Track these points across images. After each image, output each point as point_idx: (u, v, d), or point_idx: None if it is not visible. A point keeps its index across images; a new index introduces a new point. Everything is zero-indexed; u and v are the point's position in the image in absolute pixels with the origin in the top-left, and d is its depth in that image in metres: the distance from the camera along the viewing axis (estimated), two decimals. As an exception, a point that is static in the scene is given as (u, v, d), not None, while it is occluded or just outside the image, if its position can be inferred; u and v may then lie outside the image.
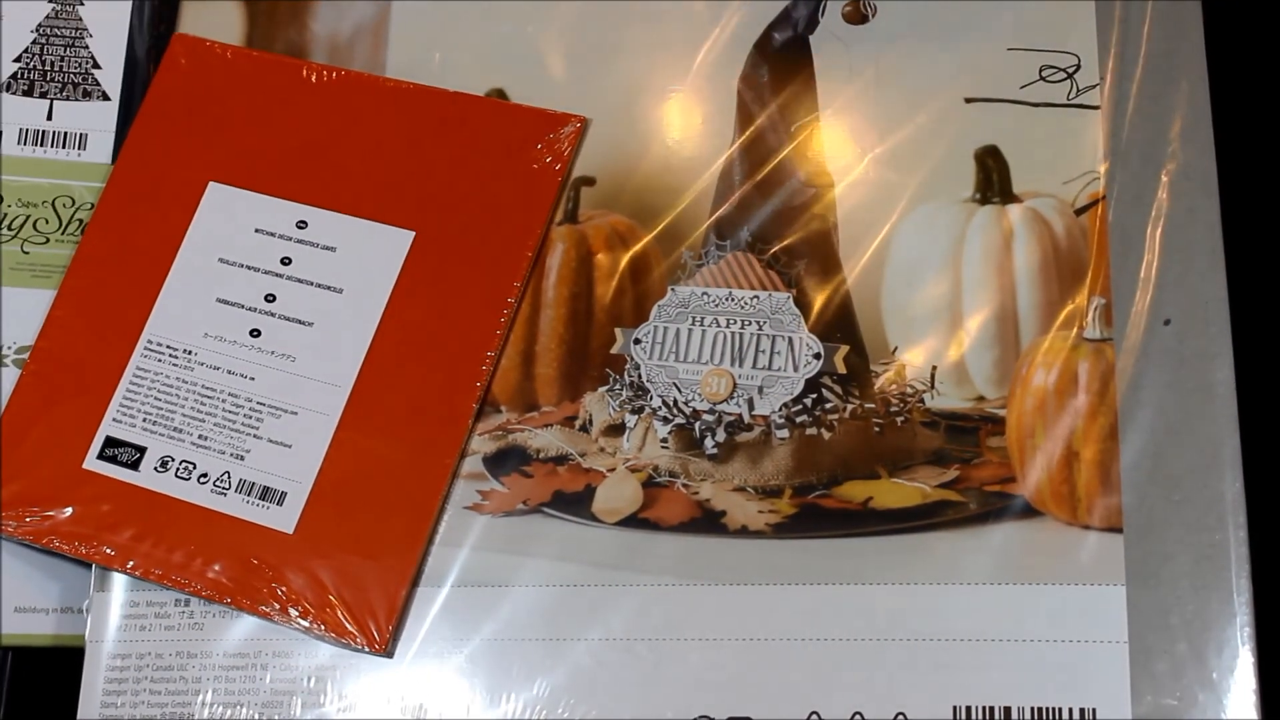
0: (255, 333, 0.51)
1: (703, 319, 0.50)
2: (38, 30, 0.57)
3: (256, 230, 0.52)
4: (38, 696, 0.52)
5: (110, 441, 0.50)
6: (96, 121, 0.56)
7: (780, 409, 0.49)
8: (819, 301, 0.50)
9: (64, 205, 0.55)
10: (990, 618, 0.45)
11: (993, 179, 0.50)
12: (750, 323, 0.50)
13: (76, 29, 0.57)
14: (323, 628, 0.47)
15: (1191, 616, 0.44)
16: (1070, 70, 0.51)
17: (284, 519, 0.49)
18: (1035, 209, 0.50)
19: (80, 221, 0.55)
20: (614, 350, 0.51)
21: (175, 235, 0.53)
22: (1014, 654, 0.45)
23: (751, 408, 0.49)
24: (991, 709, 0.44)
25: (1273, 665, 0.44)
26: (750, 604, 0.47)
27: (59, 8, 0.57)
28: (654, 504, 0.48)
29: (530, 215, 0.52)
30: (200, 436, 0.50)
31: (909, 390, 0.49)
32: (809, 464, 0.48)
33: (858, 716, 0.45)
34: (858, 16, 0.53)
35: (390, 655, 0.47)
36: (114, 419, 0.50)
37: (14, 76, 0.56)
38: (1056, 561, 0.46)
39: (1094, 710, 0.44)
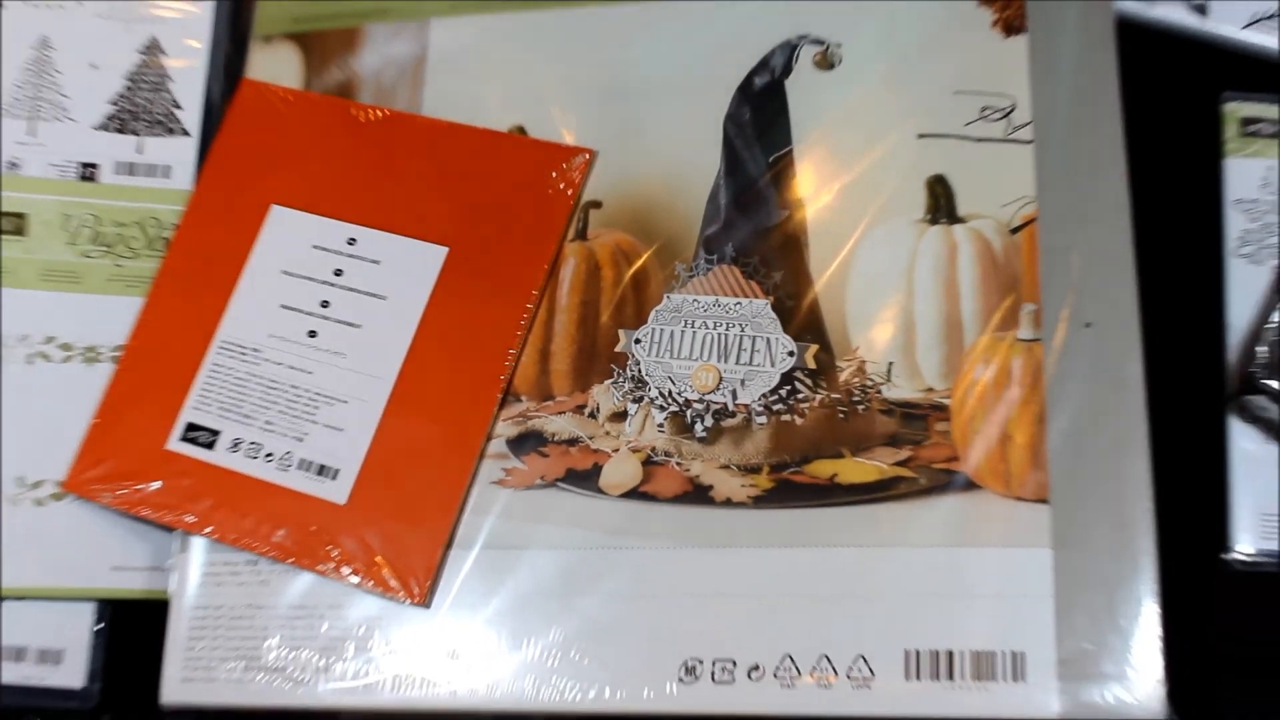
0: (312, 334, 0.52)
1: (693, 322, 0.51)
2: (129, 77, 0.58)
3: (313, 246, 0.54)
4: (133, 641, 0.52)
5: (190, 426, 0.52)
6: (178, 154, 0.57)
7: (759, 399, 0.50)
8: (792, 307, 0.51)
9: (151, 225, 0.56)
10: (937, 575, 0.46)
11: (941, 203, 0.51)
12: (734, 325, 0.51)
13: (161, 75, 0.58)
14: (371, 583, 0.49)
15: (1106, 575, 0.46)
16: (1007, 110, 0.52)
17: (338, 492, 0.50)
18: (977, 229, 0.51)
19: (164, 239, 0.56)
20: (618, 349, 0.52)
21: (244, 251, 0.54)
22: (957, 606, 0.46)
23: (735, 397, 0.50)
24: (937, 652, 0.45)
25: (1172, 615, 0.45)
26: (734, 564, 0.48)
27: (147, 58, 0.58)
28: (652, 479, 0.49)
29: (546, 233, 0.53)
30: (266, 421, 0.51)
31: (869, 383, 0.50)
32: (784, 445, 0.49)
33: (824, 659, 0.46)
34: (826, 64, 0.54)
35: (428, 607, 0.49)
36: (194, 407, 0.52)
37: (109, 117, 0.57)
38: (993, 528, 0.47)
39: (1023, 653, 0.45)
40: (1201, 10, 0.57)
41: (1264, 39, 0.57)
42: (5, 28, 0.58)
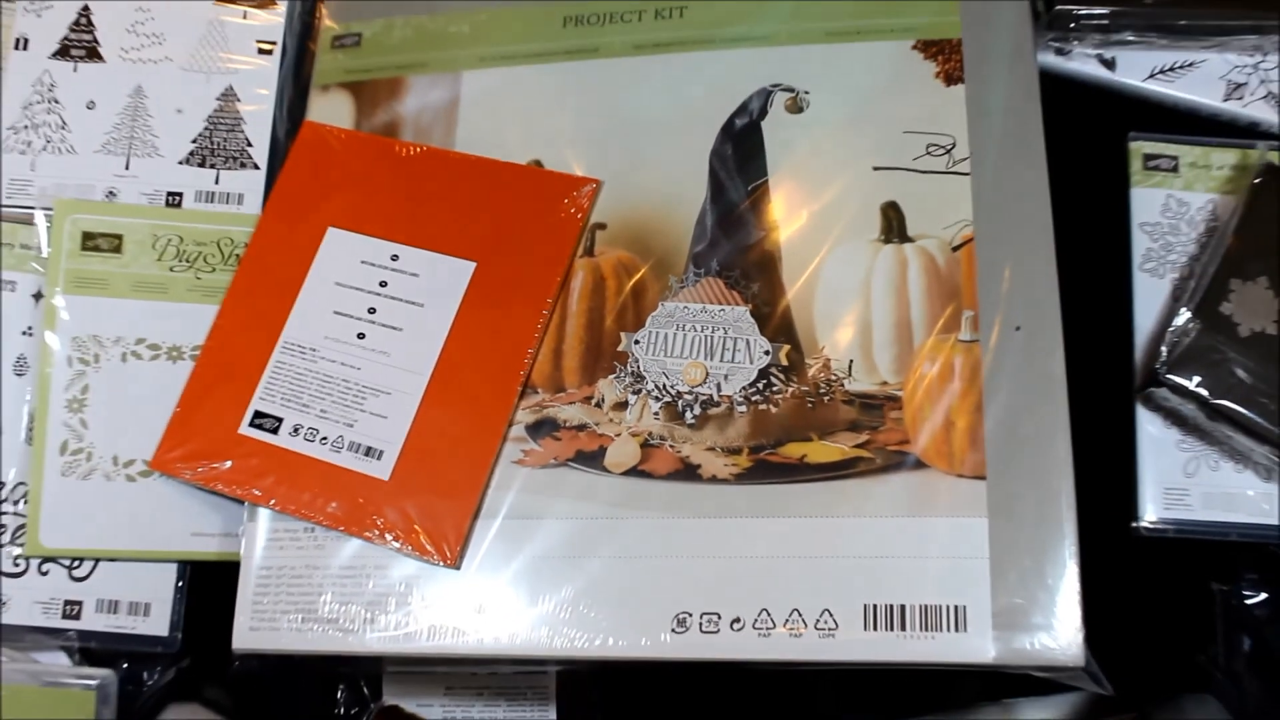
0: (361, 335, 0.51)
1: (684, 325, 0.51)
2: (208, 120, 0.57)
3: (362, 262, 0.53)
4: (209, 596, 0.52)
5: (258, 414, 0.51)
6: (249, 185, 0.56)
7: (740, 390, 0.49)
8: (768, 313, 0.50)
9: (225, 245, 0.55)
10: (891, 541, 0.46)
11: (893, 225, 0.50)
12: (719, 329, 0.50)
13: (235, 118, 0.57)
14: (410, 548, 0.48)
15: (1034, 540, 0.45)
16: (948, 147, 0.51)
17: (381, 470, 0.49)
18: (924, 247, 0.50)
19: (237, 256, 0.55)
20: (620, 348, 0.51)
21: (304, 266, 0.53)
22: (907, 567, 0.45)
23: (719, 390, 0.49)
24: (891, 606, 0.45)
25: (1089, 575, 0.45)
26: (718, 532, 0.47)
27: (224, 104, 0.57)
28: (649, 459, 0.49)
29: (559, 250, 0.52)
30: (322, 410, 0.50)
31: (833, 377, 0.49)
32: (761, 430, 0.49)
33: (795, 612, 0.45)
34: (795, 108, 0.53)
35: (458, 568, 0.48)
36: (260, 397, 0.51)
37: (191, 153, 0.56)
38: (938, 500, 0.46)
39: (964, 607, 0.44)
40: (1110, 65, 0.56)
41: (1162, 88, 0.56)
42: (107, 81, 0.57)
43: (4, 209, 0.55)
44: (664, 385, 0.50)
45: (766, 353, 0.50)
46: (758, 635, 0.45)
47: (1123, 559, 0.50)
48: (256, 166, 0.57)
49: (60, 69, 0.57)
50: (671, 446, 0.49)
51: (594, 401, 0.50)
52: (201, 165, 0.57)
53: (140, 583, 0.52)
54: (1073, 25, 0.54)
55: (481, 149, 0.55)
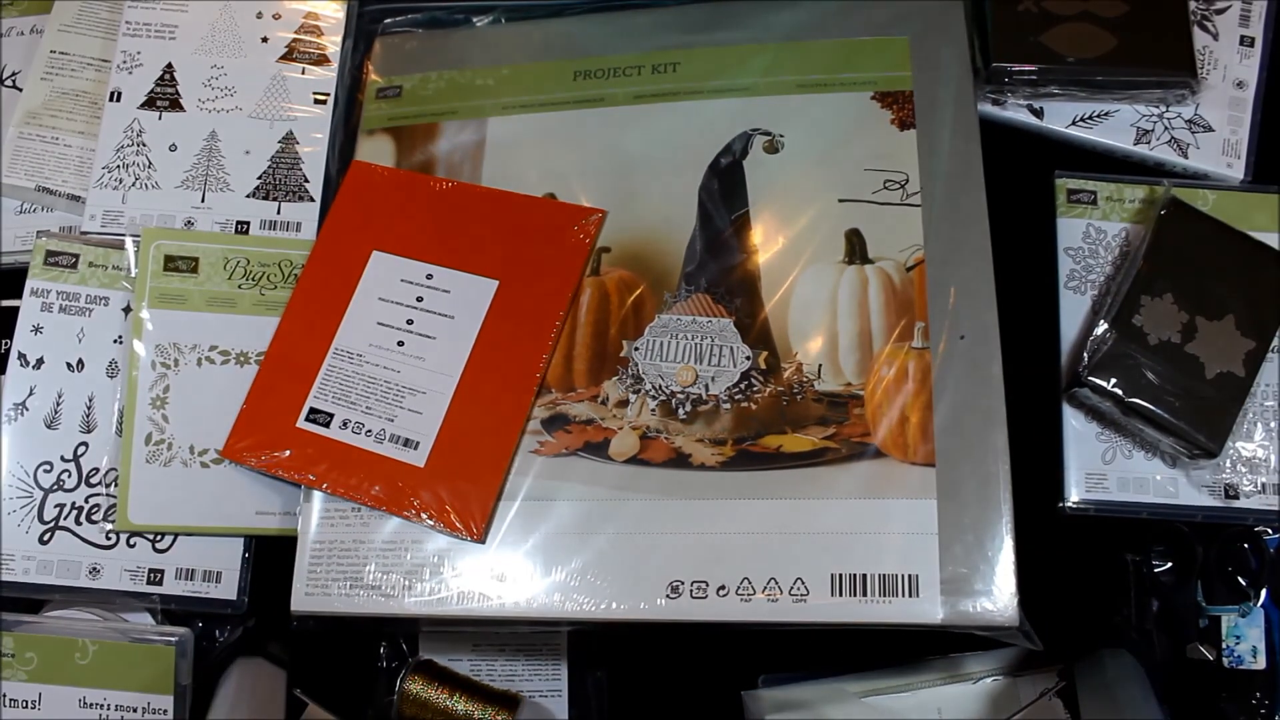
0: (401, 343, 0.50)
1: (677, 335, 0.50)
2: (271, 160, 0.56)
3: (401, 280, 0.52)
4: (271, 566, 0.51)
5: (313, 410, 0.50)
6: (306, 215, 0.55)
7: (725, 390, 0.48)
8: (749, 324, 0.49)
9: (286, 266, 0.54)
10: (854, 519, 0.45)
11: (856, 249, 0.49)
12: (707, 337, 0.49)
13: (294, 159, 0.56)
14: (442, 525, 0.47)
15: (976, 518, 0.44)
16: (902, 183, 0.50)
17: (418, 458, 0.48)
18: (882, 268, 0.49)
19: (295, 275, 0.54)
20: (622, 354, 0.50)
21: (351, 284, 0.52)
22: (868, 541, 0.44)
23: (707, 389, 0.48)
24: (854, 575, 0.44)
25: (1023, 547, 0.44)
26: (706, 512, 0.46)
27: (284, 146, 0.56)
28: (647, 449, 0.48)
29: (570, 270, 0.51)
30: (367, 407, 0.49)
31: (805, 379, 0.48)
32: (743, 424, 0.48)
33: (772, 580, 0.44)
34: (772, 149, 0.52)
35: (484, 543, 0.47)
36: (315, 396, 0.50)
37: (257, 188, 0.55)
38: (895, 484, 0.45)
39: (917, 576, 0.43)
40: (1039, 113, 0.56)
41: (1083, 133, 0.56)
42: (187, 127, 0.56)
43: (98, 236, 0.55)
44: (660, 385, 0.49)
45: (748, 358, 0.49)
46: (740, 600, 0.44)
47: (1051, 534, 0.49)
48: (312, 199, 0.56)
49: (147, 117, 0.56)
50: (666, 438, 0.48)
51: (600, 400, 0.49)
52: (265, 198, 0.56)
53: (213, 554, 0.52)
54: (1007, 80, 0.54)
55: (504, 184, 0.54)
